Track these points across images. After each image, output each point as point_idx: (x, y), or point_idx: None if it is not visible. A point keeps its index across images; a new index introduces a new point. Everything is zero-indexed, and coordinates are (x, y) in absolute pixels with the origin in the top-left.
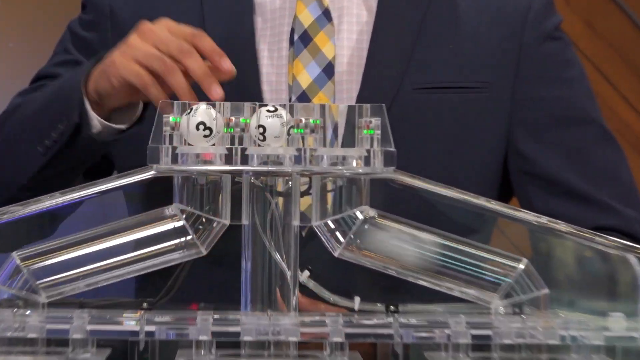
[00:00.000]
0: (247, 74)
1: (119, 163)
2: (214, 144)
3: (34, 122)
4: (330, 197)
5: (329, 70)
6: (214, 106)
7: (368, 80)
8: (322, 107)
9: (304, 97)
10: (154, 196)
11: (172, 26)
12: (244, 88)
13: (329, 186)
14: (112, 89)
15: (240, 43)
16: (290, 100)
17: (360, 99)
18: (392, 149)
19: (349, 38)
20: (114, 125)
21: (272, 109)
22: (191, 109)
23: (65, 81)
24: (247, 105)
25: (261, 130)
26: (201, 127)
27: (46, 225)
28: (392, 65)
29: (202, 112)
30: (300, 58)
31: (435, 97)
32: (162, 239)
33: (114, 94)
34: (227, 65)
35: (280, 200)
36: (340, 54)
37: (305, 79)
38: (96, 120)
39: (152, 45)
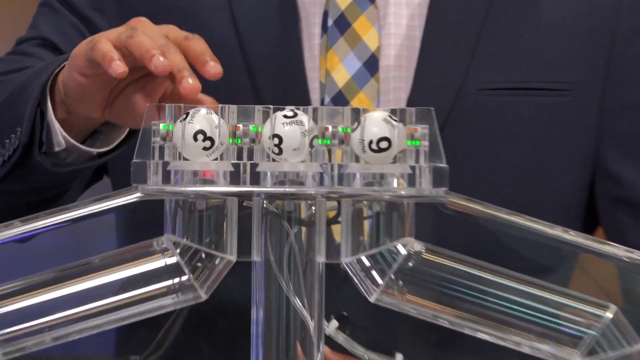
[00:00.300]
0: (292, 71)
1: (114, 181)
2: (216, 159)
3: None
4: (364, 226)
5: (372, 64)
6: (216, 110)
7: (422, 78)
8: (355, 111)
9: (340, 99)
10: (145, 223)
11: (170, 28)
12: (290, 89)
13: (364, 212)
14: (70, 78)
15: (279, 32)
16: (322, 102)
17: (412, 101)
18: (444, 164)
19: (398, 24)
20: (82, 147)
21: (290, 113)
22: (187, 114)
23: (32, 74)
24: (258, 108)
25: (277, 140)
26: (200, 136)
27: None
28: (452, 59)
29: (201, 117)
30: (335, 49)
31: (505, 100)
32: (149, 280)
33: (72, 85)
34: (213, 70)
35: (302, 230)
36: (387, 43)
37: (341, 76)
38: (60, 136)
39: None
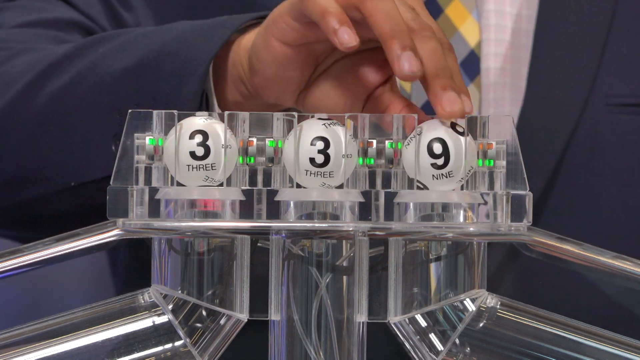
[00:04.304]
0: None
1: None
2: (221, 184)
3: (109, 95)
4: (421, 274)
5: (471, 65)
6: (221, 118)
7: (535, 86)
8: (411, 120)
9: (426, 111)
10: (126, 270)
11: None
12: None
13: (419, 256)
14: (265, 46)
15: None
16: None
17: (524, 117)
18: (526, 191)
19: (500, 11)
20: None
21: (325, 115)
22: (182, 124)
23: (178, 36)
24: (278, 117)
25: (321, 145)
26: (200, 153)
27: None
28: (574, 62)
29: (200, 129)
30: None
31: None
32: (132, 346)
33: (267, 57)
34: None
35: (337, 279)
36: (486, 38)
37: None
38: None
39: None
